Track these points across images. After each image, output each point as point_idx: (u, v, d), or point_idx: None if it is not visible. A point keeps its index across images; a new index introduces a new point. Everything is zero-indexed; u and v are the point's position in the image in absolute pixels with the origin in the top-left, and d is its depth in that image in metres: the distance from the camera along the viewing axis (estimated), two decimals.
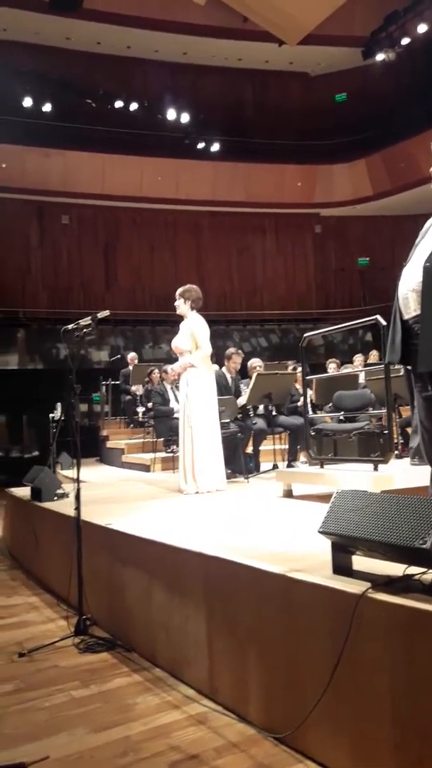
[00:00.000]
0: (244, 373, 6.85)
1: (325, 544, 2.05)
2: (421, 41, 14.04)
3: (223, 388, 5.92)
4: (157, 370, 8.66)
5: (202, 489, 4.59)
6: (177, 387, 6.28)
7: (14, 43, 13.71)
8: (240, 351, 6.68)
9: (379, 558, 1.89)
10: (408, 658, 1.63)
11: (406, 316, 2.37)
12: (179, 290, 4.93)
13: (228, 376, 6.28)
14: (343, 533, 1.93)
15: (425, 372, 2.29)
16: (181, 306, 4.88)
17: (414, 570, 1.80)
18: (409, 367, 2.47)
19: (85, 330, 3.36)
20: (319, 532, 2.01)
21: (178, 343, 4.84)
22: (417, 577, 1.79)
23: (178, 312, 4.93)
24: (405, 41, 13.98)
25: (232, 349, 6.46)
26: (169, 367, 5.68)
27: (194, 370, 4.74)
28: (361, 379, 7.05)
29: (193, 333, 4.76)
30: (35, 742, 2.12)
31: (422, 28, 13.69)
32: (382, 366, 3.87)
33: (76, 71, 14.45)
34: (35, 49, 14.06)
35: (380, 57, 14.47)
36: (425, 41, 14.01)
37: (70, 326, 3.43)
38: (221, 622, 2.36)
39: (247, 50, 14.97)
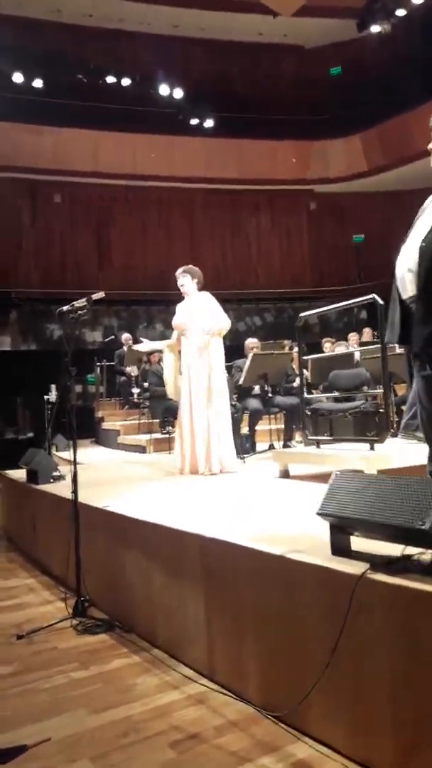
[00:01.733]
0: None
1: (323, 525, 2.04)
2: (417, 12, 13.72)
3: None
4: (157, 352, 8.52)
5: (228, 468, 4.34)
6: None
7: (1, 16, 13.35)
8: None
9: (378, 539, 1.89)
10: (407, 638, 1.64)
11: (404, 296, 2.34)
12: (183, 268, 4.74)
13: None
14: (342, 515, 1.92)
15: (423, 352, 2.28)
16: (188, 284, 4.67)
17: (412, 550, 1.80)
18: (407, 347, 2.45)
19: (80, 311, 3.33)
20: (318, 514, 2.01)
21: (207, 323, 4.57)
22: (416, 557, 1.79)
23: (183, 290, 4.71)
24: (400, 12, 13.68)
25: None
26: (164, 343, 5.32)
27: (217, 342, 4.56)
28: (357, 357, 7.03)
29: (215, 307, 4.60)
30: (36, 723, 2.13)
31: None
32: (378, 345, 3.85)
33: (67, 45, 14.13)
34: (25, 23, 13.71)
35: (375, 29, 14.17)
36: (421, 12, 13.71)
37: (65, 308, 3.39)
38: (220, 603, 2.36)
39: (239, 22, 14.64)
